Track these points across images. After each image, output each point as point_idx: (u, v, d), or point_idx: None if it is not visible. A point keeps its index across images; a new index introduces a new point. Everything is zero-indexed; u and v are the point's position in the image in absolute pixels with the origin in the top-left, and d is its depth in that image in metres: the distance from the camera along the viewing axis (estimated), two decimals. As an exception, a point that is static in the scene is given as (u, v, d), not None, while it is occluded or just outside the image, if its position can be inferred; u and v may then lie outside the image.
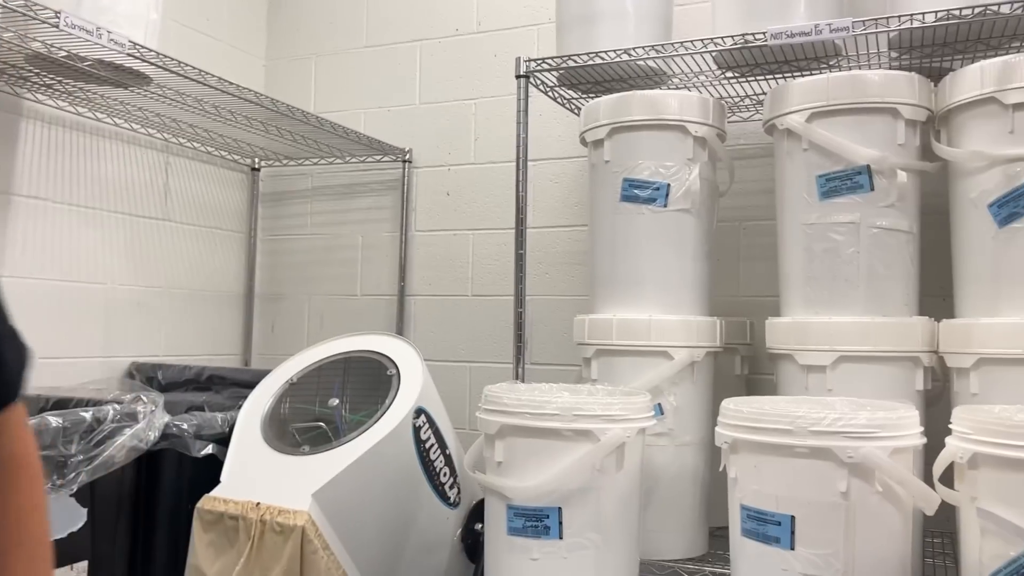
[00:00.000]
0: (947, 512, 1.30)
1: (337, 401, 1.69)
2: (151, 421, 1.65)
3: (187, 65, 1.80)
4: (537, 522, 1.42)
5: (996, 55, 1.55)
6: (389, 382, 1.69)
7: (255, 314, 2.77)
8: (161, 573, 1.71)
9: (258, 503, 1.49)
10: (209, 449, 1.72)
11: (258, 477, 1.56)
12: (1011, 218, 1.46)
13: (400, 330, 2.54)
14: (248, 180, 2.78)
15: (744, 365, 2.02)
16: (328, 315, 2.69)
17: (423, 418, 1.65)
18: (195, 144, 2.50)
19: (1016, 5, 1.49)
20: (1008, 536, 1.12)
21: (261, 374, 1.86)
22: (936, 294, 1.76)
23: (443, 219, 2.54)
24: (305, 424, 1.67)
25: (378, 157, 2.60)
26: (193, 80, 1.84)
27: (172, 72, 1.79)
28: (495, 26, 2.50)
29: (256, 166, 2.77)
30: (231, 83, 1.91)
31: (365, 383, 1.72)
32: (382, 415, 1.61)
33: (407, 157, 2.57)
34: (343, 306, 2.67)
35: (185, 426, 1.70)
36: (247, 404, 1.74)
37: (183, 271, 2.51)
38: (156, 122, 2.27)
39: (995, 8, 1.50)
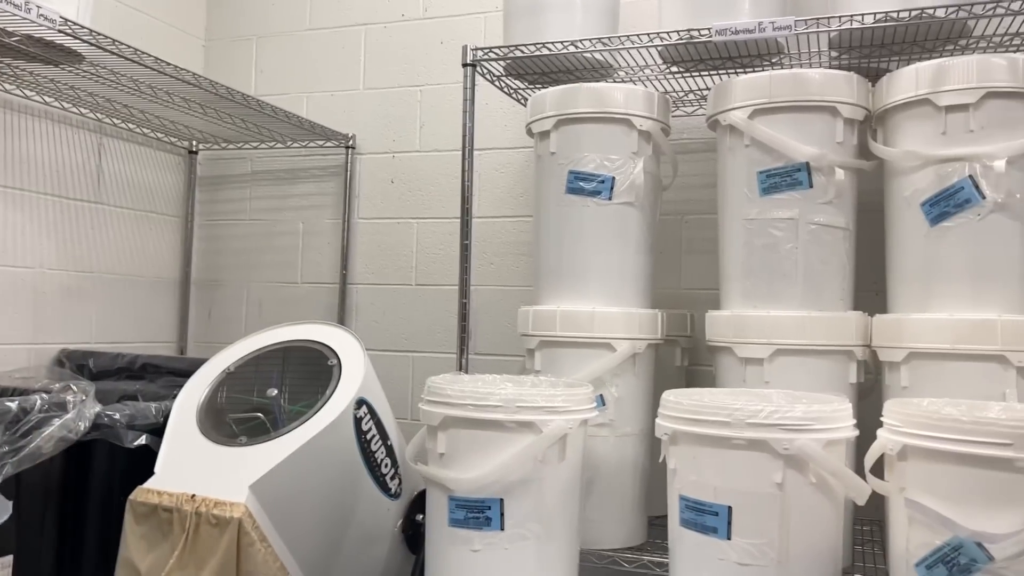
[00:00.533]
0: (877, 501, 1.34)
1: (276, 391, 1.66)
2: (81, 411, 1.60)
3: (121, 43, 1.74)
4: (479, 513, 1.42)
5: (931, 57, 1.59)
6: (330, 372, 1.67)
7: (191, 301, 2.70)
8: (91, 567, 1.67)
9: (193, 495, 1.46)
10: (142, 440, 1.67)
11: (193, 468, 1.53)
12: (941, 217, 1.50)
13: (342, 319, 2.51)
14: (185, 163, 2.70)
15: (684, 357, 2.05)
16: (267, 303, 2.64)
17: (364, 409, 1.64)
18: (130, 125, 2.43)
19: (950, 9, 1.53)
20: (934, 525, 1.16)
21: (197, 363, 1.82)
22: (870, 289, 1.80)
23: (387, 207, 2.51)
24: (243, 414, 1.63)
25: (321, 142, 2.55)
26: (128, 59, 1.78)
27: (106, 50, 1.73)
28: (442, 12, 2.48)
29: (194, 149, 2.70)
30: (168, 63, 1.85)
31: (305, 373, 1.69)
32: (322, 406, 1.59)
33: (351, 143, 2.53)
34: (283, 294, 2.63)
35: (117, 416, 1.65)
36: (182, 394, 1.70)
37: (116, 256, 2.44)
38: (89, 102, 2.19)
39: (931, 12, 1.54)
